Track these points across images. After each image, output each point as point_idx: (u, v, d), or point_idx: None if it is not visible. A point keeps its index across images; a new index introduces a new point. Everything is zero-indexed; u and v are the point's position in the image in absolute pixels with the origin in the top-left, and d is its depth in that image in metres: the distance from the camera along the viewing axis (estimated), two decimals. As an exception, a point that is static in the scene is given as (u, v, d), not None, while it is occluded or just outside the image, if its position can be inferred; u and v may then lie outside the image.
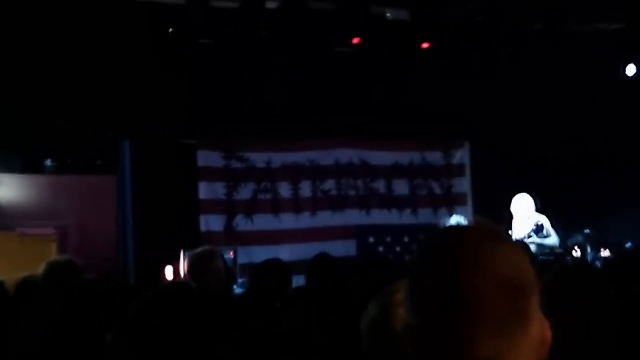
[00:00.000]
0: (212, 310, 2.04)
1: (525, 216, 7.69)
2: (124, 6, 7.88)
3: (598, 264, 7.84)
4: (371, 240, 9.97)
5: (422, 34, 8.89)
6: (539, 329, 1.05)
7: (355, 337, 1.71)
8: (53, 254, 8.16)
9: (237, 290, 6.49)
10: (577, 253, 8.12)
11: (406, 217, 10.27)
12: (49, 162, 8.54)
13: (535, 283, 1.06)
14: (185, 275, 8.16)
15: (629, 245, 8.64)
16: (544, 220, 7.59)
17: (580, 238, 8.54)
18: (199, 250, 4.56)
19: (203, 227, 9.26)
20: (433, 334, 1.03)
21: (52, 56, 7.92)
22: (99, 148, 8.62)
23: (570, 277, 4.12)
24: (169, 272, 7.87)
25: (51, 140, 8.32)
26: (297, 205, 9.80)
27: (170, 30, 8.39)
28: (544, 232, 7.48)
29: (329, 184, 9.98)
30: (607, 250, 8.16)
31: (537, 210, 7.77)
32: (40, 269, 4.41)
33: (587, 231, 8.55)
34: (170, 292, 2.04)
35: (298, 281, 5.08)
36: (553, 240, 7.57)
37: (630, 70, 9.47)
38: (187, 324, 1.92)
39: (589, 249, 8.34)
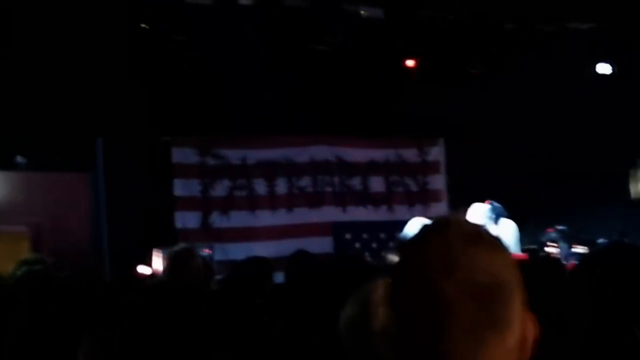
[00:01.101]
0: (196, 311, 2.03)
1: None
2: (97, 2, 7.80)
3: (571, 259, 7.93)
4: (347, 236, 9.99)
5: (396, 32, 8.91)
6: (519, 333, 1.02)
7: (334, 335, 1.70)
8: (25, 251, 8.06)
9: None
10: (550, 248, 8.19)
11: (382, 214, 10.30)
12: (19, 159, 8.43)
13: (517, 286, 1.02)
14: (161, 272, 8.14)
15: (600, 241, 8.74)
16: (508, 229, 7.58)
17: (553, 234, 8.61)
18: (177, 248, 4.50)
19: (178, 224, 9.21)
20: (407, 338, 1.01)
21: (24, 53, 7.81)
22: (72, 145, 8.52)
23: (541, 271, 4.17)
24: (143, 270, 7.82)
25: (22, 137, 8.21)
26: (272, 202, 9.79)
27: (143, 25, 8.31)
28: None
29: (305, 181, 9.97)
30: (581, 246, 8.24)
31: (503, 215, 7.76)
32: (11, 268, 4.35)
33: (560, 227, 8.62)
34: (155, 292, 2.02)
35: (275, 277, 5.09)
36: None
37: (601, 69, 9.57)
38: (171, 325, 1.91)
39: (562, 245, 8.41)
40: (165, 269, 4.05)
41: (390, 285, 1.05)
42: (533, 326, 1.04)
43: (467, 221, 1.09)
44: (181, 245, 4.90)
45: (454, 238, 1.02)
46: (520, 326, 1.02)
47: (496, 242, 1.06)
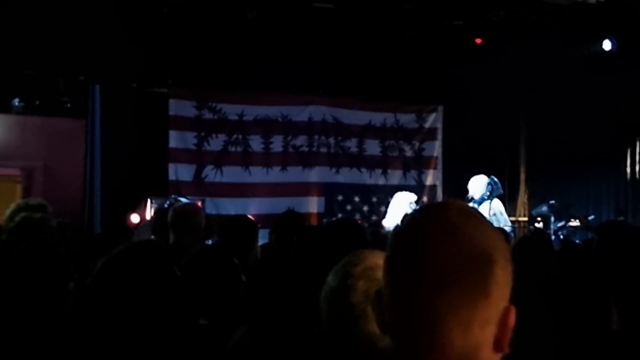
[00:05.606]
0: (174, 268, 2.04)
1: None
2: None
3: (560, 234, 7.99)
4: (339, 198, 10.00)
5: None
6: (496, 312, 1.06)
7: (315, 304, 1.72)
8: (17, 194, 8.09)
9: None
10: (539, 224, 8.22)
11: (375, 177, 10.30)
12: (16, 102, 8.38)
13: (506, 257, 1.08)
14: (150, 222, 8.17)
15: (591, 217, 8.79)
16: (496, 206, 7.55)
17: (544, 208, 8.65)
18: (182, 204, 4.47)
19: (171, 176, 9.21)
20: (399, 301, 1.07)
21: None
22: (69, 91, 8.47)
23: (529, 244, 4.21)
24: (135, 219, 7.85)
25: (20, 80, 8.14)
26: (267, 159, 9.77)
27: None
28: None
29: (301, 140, 9.95)
30: (577, 220, 8.26)
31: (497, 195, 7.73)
32: (9, 210, 4.35)
33: (551, 202, 8.65)
34: (139, 250, 2.04)
35: (264, 235, 5.10)
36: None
37: (604, 44, 9.47)
38: (153, 282, 1.92)
39: (552, 220, 8.45)
40: (170, 225, 3.99)
41: (388, 251, 1.11)
42: (513, 317, 1.07)
43: (463, 203, 1.17)
44: (188, 202, 4.87)
45: (455, 212, 1.09)
46: (499, 305, 1.06)
47: (488, 221, 1.14)
